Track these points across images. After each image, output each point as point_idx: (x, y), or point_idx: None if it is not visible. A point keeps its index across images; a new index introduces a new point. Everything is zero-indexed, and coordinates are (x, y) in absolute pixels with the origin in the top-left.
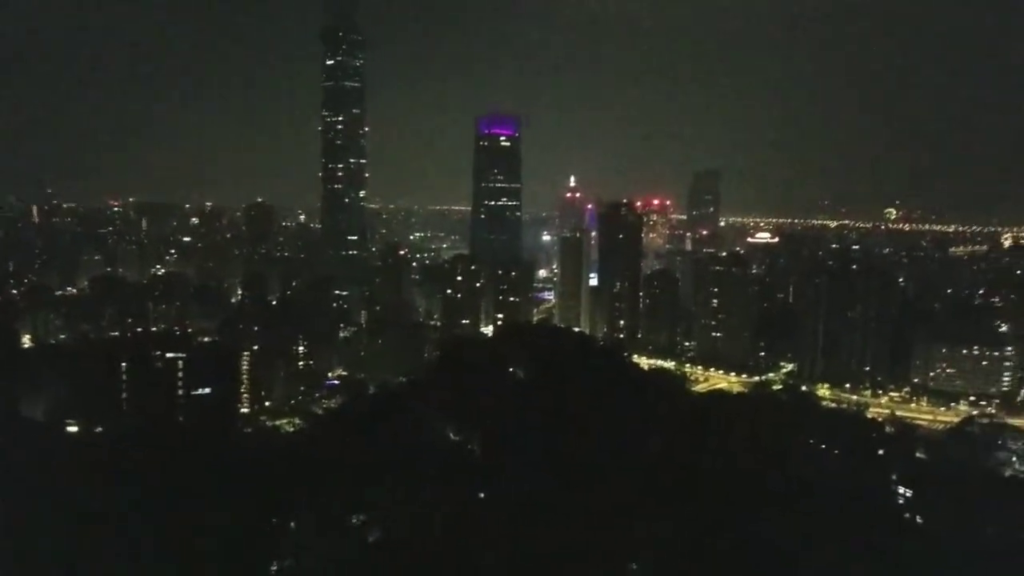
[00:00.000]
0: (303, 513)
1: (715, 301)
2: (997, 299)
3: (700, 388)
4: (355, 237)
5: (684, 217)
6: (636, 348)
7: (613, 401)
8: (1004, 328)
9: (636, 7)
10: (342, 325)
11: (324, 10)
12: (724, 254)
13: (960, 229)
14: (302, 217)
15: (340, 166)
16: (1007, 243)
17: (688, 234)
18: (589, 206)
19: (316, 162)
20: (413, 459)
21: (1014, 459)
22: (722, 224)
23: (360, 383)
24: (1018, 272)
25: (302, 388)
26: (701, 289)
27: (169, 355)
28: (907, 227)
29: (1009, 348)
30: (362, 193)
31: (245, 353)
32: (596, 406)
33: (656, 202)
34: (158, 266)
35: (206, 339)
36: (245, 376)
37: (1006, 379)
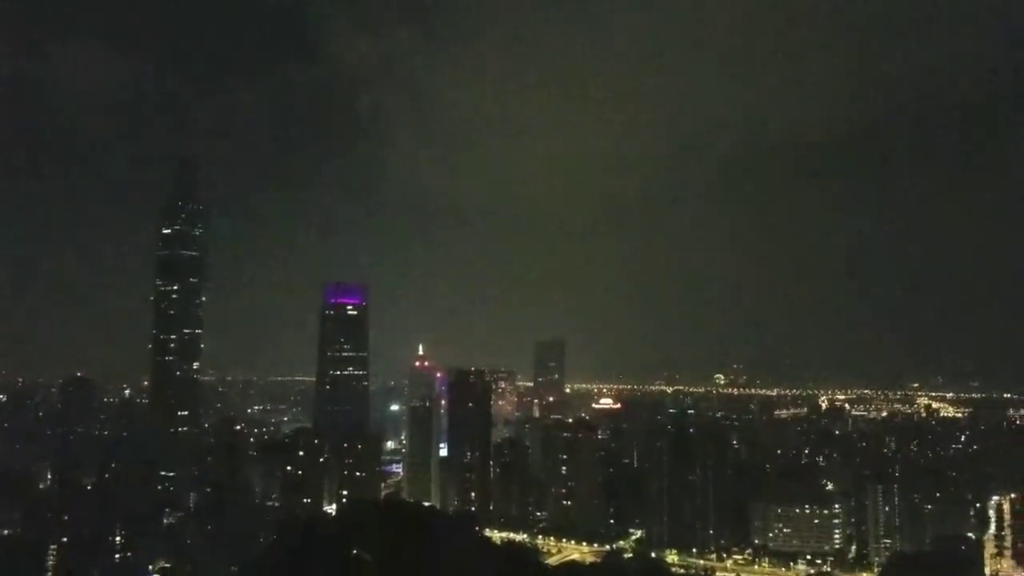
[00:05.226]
0: None
1: (564, 468)
2: (821, 458)
3: (553, 560)
4: (186, 412)
5: (531, 384)
6: (488, 521)
7: None
8: (830, 486)
9: (476, 187)
10: (167, 510)
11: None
12: (571, 420)
13: (781, 393)
14: (128, 392)
15: (173, 337)
16: (824, 405)
17: (536, 401)
18: (438, 374)
19: (147, 334)
20: None
21: None
22: (568, 390)
23: (186, 575)
24: (836, 432)
25: None
26: (550, 456)
27: None
28: (735, 391)
29: (836, 506)
30: (195, 365)
31: (52, 545)
32: None
33: (503, 370)
34: None
35: (6, 532)
36: (51, 571)
37: (836, 536)
